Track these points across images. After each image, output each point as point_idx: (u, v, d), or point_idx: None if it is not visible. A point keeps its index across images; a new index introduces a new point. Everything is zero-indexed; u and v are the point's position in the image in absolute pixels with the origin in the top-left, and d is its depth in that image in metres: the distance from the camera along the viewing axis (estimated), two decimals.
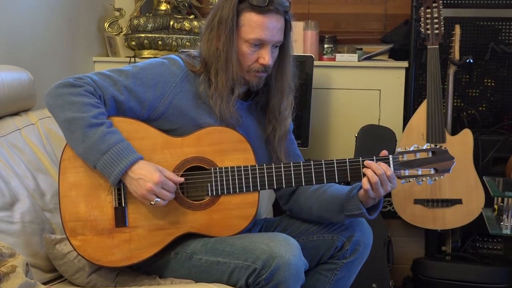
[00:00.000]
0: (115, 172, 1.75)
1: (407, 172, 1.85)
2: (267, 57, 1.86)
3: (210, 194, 1.85)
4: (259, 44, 1.86)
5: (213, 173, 1.84)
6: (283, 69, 1.95)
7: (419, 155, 1.85)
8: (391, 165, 1.83)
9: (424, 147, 1.86)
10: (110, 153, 1.75)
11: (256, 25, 1.84)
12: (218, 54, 1.87)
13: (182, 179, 1.82)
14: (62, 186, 1.85)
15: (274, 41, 1.87)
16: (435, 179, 1.86)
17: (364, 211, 1.85)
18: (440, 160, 1.85)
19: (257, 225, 2.05)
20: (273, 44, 1.87)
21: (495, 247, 3.13)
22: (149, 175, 1.75)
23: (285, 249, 1.73)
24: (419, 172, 1.85)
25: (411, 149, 1.85)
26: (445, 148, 1.87)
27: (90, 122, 1.76)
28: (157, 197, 1.76)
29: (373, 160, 1.83)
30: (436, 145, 1.88)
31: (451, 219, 2.88)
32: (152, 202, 1.77)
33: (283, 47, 1.93)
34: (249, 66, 1.88)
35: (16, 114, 2.31)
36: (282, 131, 1.98)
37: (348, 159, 1.84)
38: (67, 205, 1.84)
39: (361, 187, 1.83)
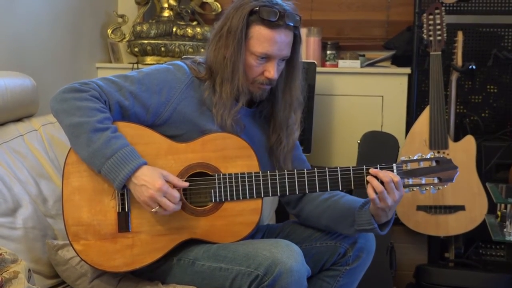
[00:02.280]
0: (119, 177, 1.75)
1: (410, 181, 1.84)
2: (272, 71, 1.86)
3: (213, 200, 1.85)
4: (266, 57, 1.86)
5: (216, 179, 1.84)
6: (291, 82, 1.95)
7: (422, 164, 1.85)
8: (395, 174, 1.82)
9: (428, 156, 1.86)
10: (114, 158, 1.75)
11: (264, 39, 1.83)
12: (225, 64, 1.86)
13: (186, 184, 1.81)
14: (65, 190, 1.85)
15: (281, 56, 1.86)
16: (438, 188, 1.86)
17: (376, 226, 1.83)
18: (443, 169, 1.84)
19: (259, 232, 2.04)
20: (280, 58, 1.87)
21: (498, 254, 3.13)
22: (151, 182, 1.75)
23: (288, 255, 1.72)
24: (423, 181, 1.84)
25: (414, 158, 1.85)
26: (448, 157, 1.87)
27: (95, 126, 1.76)
28: (159, 205, 1.76)
29: (377, 168, 1.82)
30: (438, 152, 1.88)
31: (454, 225, 2.87)
32: (153, 209, 1.77)
33: (291, 61, 1.92)
34: (254, 78, 1.88)
35: (19, 120, 2.32)
36: (290, 145, 1.98)
37: (352, 167, 1.84)
38: (70, 210, 1.84)
39: None
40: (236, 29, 1.84)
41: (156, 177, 1.75)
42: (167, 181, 1.77)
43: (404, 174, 1.83)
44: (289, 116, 1.97)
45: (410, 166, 1.84)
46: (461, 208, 2.86)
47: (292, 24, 1.84)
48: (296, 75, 1.95)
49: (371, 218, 1.83)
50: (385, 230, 1.87)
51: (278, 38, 1.83)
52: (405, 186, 1.84)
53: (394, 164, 1.84)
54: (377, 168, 1.82)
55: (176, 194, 1.77)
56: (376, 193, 1.79)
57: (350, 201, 1.91)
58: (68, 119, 1.79)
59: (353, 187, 1.84)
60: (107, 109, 1.82)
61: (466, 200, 2.85)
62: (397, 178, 1.79)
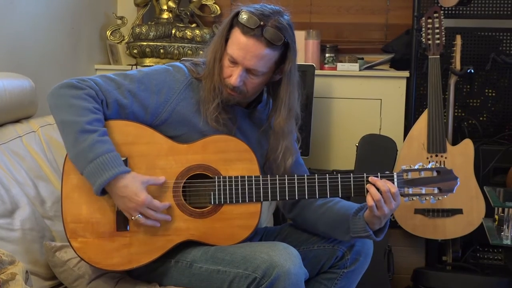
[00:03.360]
0: (97, 182, 1.75)
1: (410, 191, 1.84)
2: (234, 76, 1.84)
3: (212, 203, 1.85)
4: (234, 62, 1.85)
5: (216, 181, 1.84)
6: (276, 110, 1.91)
7: (423, 174, 1.85)
8: (395, 183, 1.82)
9: (429, 166, 1.86)
10: (95, 163, 1.74)
11: (236, 43, 1.83)
12: (209, 59, 1.89)
13: (167, 205, 1.81)
14: (65, 187, 1.85)
15: (245, 65, 1.83)
16: (438, 199, 1.86)
17: (371, 233, 1.83)
18: (444, 180, 1.85)
19: (257, 234, 2.04)
20: (246, 68, 1.84)
21: (495, 257, 3.13)
22: (134, 197, 1.75)
23: (286, 258, 1.73)
24: (423, 191, 1.84)
25: (415, 167, 1.85)
26: (446, 160, 1.87)
27: (83, 128, 1.76)
28: (140, 213, 1.78)
29: (377, 176, 1.82)
30: (437, 155, 1.87)
31: (452, 229, 2.87)
32: (132, 218, 1.79)
33: (277, 86, 1.90)
34: (224, 79, 1.87)
35: (17, 121, 2.31)
36: (287, 167, 1.94)
37: (353, 174, 1.84)
38: (69, 207, 1.84)
39: (367, 208, 1.83)
40: (222, 28, 1.87)
41: (139, 190, 1.76)
42: (149, 185, 1.78)
43: (405, 183, 1.84)
44: (282, 144, 1.92)
45: (410, 175, 1.85)
46: (459, 211, 2.86)
47: (266, 37, 1.80)
48: (283, 100, 1.90)
49: (366, 226, 1.83)
50: (380, 237, 1.87)
51: (246, 45, 1.81)
52: (405, 195, 1.85)
53: (395, 173, 1.84)
54: (377, 176, 1.82)
55: (159, 205, 1.78)
56: (374, 201, 1.79)
57: (344, 207, 1.91)
58: (60, 115, 1.79)
59: (352, 195, 1.84)
60: (101, 110, 1.82)
61: (464, 203, 2.85)
62: (394, 189, 1.79)
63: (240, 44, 1.82)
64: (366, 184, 1.82)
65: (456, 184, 1.86)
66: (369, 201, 1.80)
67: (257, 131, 1.98)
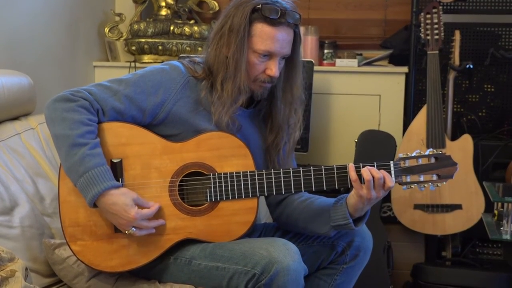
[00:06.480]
0: (88, 196, 1.75)
1: (408, 178, 1.82)
2: (274, 68, 1.85)
3: (209, 200, 1.85)
4: (268, 55, 1.85)
5: (212, 178, 1.84)
6: (292, 81, 1.94)
7: (421, 161, 1.82)
8: (392, 172, 1.81)
9: (427, 153, 1.83)
10: (85, 177, 1.74)
11: (267, 37, 1.83)
12: (227, 62, 1.86)
13: (157, 207, 1.80)
14: (61, 191, 1.85)
15: (282, 54, 1.86)
16: (437, 185, 1.83)
17: (350, 222, 1.82)
18: (443, 166, 1.82)
19: (256, 230, 2.04)
20: (281, 56, 1.87)
21: (495, 253, 3.13)
22: (124, 214, 1.75)
23: (285, 254, 1.72)
24: (421, 178, 1.82)
25: (413, 155, 1.82)
26: (447, 154, 1.85)
27: (75, 141, 1.75)
28: (133, 227, 1.78)
29: (373, 166, 1.81)
30: (436, 150, 1.87)
31: (451, 224, 2.88)
32: (126, 232, 1.78)
33: (292, 59, 1.92)
34: (256, 76, 1.87)
35: (16, 118, 2.31)
36: (291, 144, 1.97)
37: (348, 164, 1.83)
38: (67, 210, 1.84)
39: (350, 194, 1.82)
40: (238, 27, 1.83)
41: (128, 206, 1.75)
42: (138, 205, 1.78)
43: (402, 171, 1.81)
44: (290, 115, 1.96)
45: (408, 163, 1.82)
46: (458, 207, 2.86)
47: (292, 22, 1.85)
48: (297, 73, 1.95)
49: (346, 213, 1.82)
50: (359, 226, 1.86)
51: (280, 35, 1.84)
52: (403, 183, 1.83)
53: (391, 162, 1.82)
54: (374, 165, 1.81)
55: (149, 212, 1.78)
56: (361, 180, 1.78)
57: (325, 200, 1.92)
58: (54, 129, 1.79)
59: (349, 186, 1.83)
60: (95, 120, 1.81)
61: (463, 199, 2.85)
62: (391, 183, 1.78)
63: (273, 37, 1.83)
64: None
65: (455, 169, 1.82)
66: (353, 175, 1.78)
67: (256, 129, 1.97)
